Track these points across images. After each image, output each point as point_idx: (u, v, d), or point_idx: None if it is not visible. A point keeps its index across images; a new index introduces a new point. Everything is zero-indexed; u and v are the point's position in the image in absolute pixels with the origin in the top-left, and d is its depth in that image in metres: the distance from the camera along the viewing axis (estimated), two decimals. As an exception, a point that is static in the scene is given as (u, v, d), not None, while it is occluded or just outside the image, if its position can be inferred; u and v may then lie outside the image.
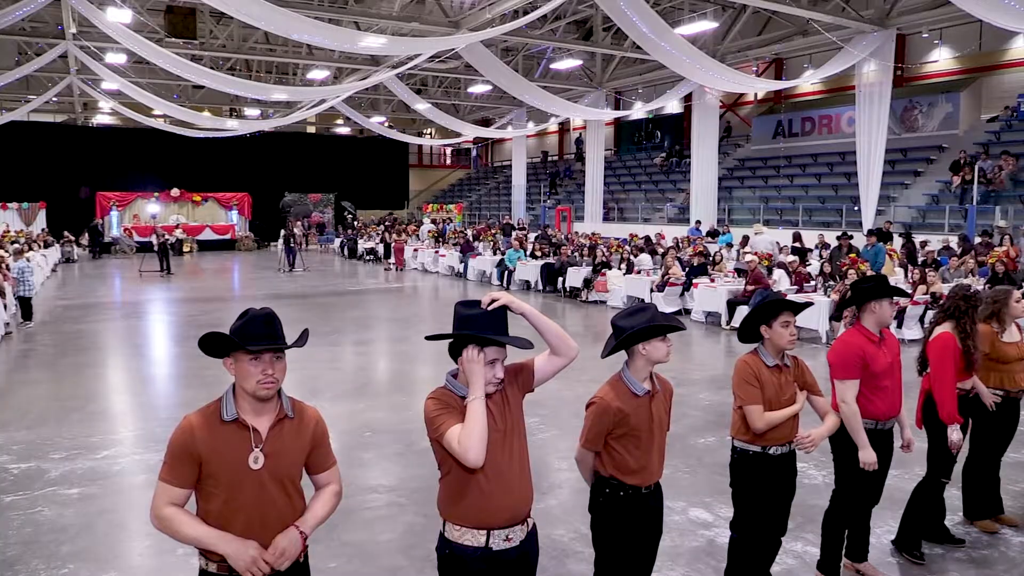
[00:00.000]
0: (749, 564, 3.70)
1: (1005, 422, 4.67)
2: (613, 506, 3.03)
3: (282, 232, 24.07)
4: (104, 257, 27.62)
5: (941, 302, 4.54)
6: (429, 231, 26.82)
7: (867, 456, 3.72)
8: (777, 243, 17.07)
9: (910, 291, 11.75)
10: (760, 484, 3.55)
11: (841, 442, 3.87)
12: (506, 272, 18.23)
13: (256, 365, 2.33)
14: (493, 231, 24.85)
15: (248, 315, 2.40)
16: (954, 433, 4.16)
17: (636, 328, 2.91)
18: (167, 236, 22.72)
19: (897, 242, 16.41)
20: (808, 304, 3.92)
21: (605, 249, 16.82)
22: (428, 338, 2.75)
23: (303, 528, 2.40)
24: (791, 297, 11.77)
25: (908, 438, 3.99)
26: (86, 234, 28.34)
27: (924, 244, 15.97)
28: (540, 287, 17.35)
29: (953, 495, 4.87)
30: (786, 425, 3.53)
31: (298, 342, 2.48)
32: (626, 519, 3.03)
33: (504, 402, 2.60)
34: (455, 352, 2.60)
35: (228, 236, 31.45)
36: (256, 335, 2.34)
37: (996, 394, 4.57)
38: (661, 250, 17.01)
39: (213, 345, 2.39)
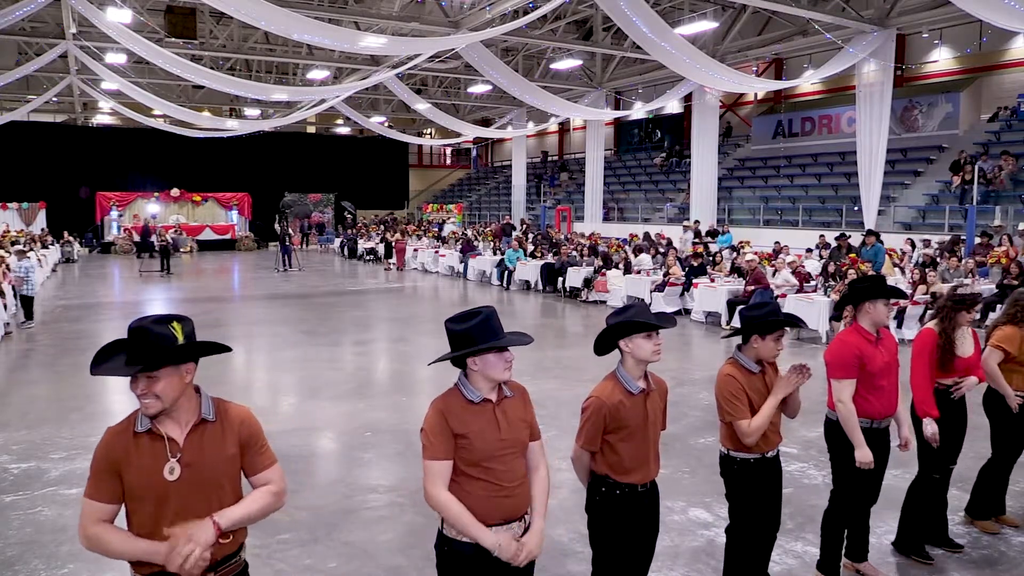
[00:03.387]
0: (747, 566, 3.70)
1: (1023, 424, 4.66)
2: (609, 505, 3.04)
3: (277, 230, 24.08)
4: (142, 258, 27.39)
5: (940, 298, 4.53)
6: (452, 232, 26.11)
7: (863, 455, 3.71)
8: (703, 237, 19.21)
9: (910, 291, 11.75)
10: (764, 488, 3.55)
11: (837, 442, 3.87)
12: (506, 272, 18.22)
13: (132, 382, 2.21)
14: (493, 231, 24.80)
15: (128, 328, 2.25)
16: (927, 427, 4.14)
17: (614, 324, 2.94)
18: (166, 237, 22.68)
19: (895, 241, 16.41)
20: (800, 322, 3.94)
21: (606, 249, 16.84)
22: (431, 363, 2.79)
23: (217, 518, 2.23)
24: (791, 297, 11.83)
25: (905, 436, 3.98)
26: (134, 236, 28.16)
27: (928, 243, 15.96)
28: (540, 287, 17.34)
29: (952, 495, 4.86)
30: (776, 427, 3.54)
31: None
32: (622, 518, 3.03)
33: (516, 413, 2.66)
34: (461, 363, 2.64)
35: (228, 236, 31.46)
36: (127, 353, 2.22)
37: (1019, 396, 4.54)
38: (663, 248, 17.05)
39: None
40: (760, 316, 3.44)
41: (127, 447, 2.24)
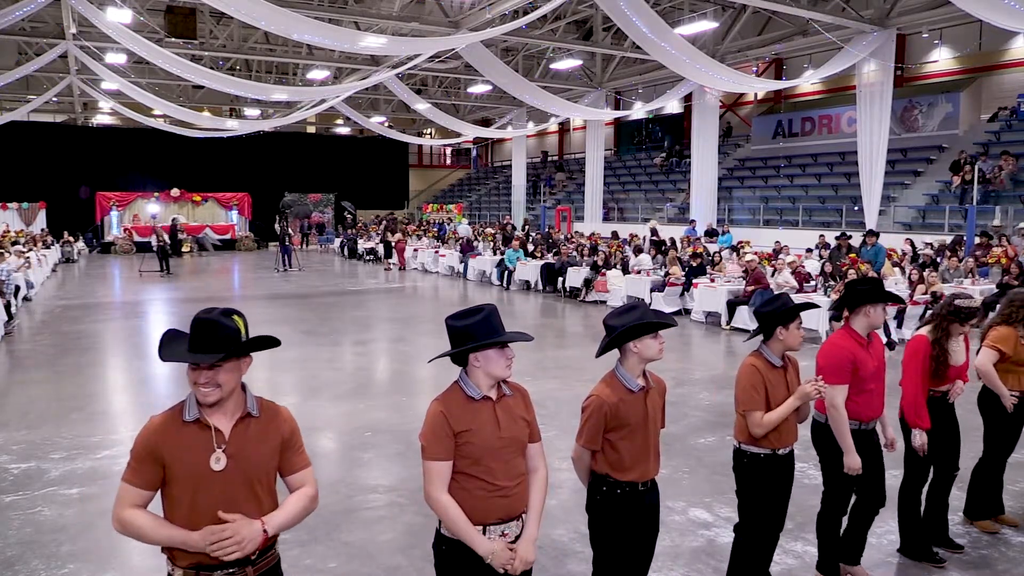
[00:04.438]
0: (753, 565, 3.71)
1: (1018, 423, 4.65)
2: (609, 504, 3.04)
3: (277, 230, 24.08)
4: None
5: (938, 304, 4.50)
6: (452, 232, 26.38)
7: (852, 461, 3.72)
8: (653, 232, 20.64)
9: (910, 291, 11.75)
10: (772, 485, 3.56)
11: (825, 445, 3.86)
12: (506, 272, 18.22)
13: (194, 371, 2.27)
14: (493, 231, 24.80)
15: (193, 319, 2.33)
16: (917, 438, 4.10)
17: (625, 326, 2.94)
18: (165, 237, 22.67)
19: (895, 241, 16.42)
20: (815, 305, 4.04)
21: (606, 250, 16.84)
22: (432, 360, 2.78)
23: (267, 524, 2.32)
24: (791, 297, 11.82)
25: (891, 437, 3.99)
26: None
27: (930, 245, 15.93)
28: (540, 287, 17.34)
29: (952, 495, 4.85)
30: (791, 425, 3.55)
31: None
32: (623, 517, 3.04)
33: (516, 412, 2.68)
34: (461, 361, 2.65)
35: (228, 236, 31.46)
36: (190, 342, 2.29)
37: (1014, 395, 4.53)
38: (664, 247, 17.08)
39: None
40: (779, 307, 3.53)
41: (173, 435, 2.29)
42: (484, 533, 2.56)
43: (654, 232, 20.91)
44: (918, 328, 4.40)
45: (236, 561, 2.28)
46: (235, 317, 2.34)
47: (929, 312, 4.53)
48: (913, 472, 4.35)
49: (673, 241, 18.79)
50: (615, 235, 21.21)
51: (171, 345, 2.36)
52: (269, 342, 2.41)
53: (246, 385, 2.40)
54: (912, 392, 4.14)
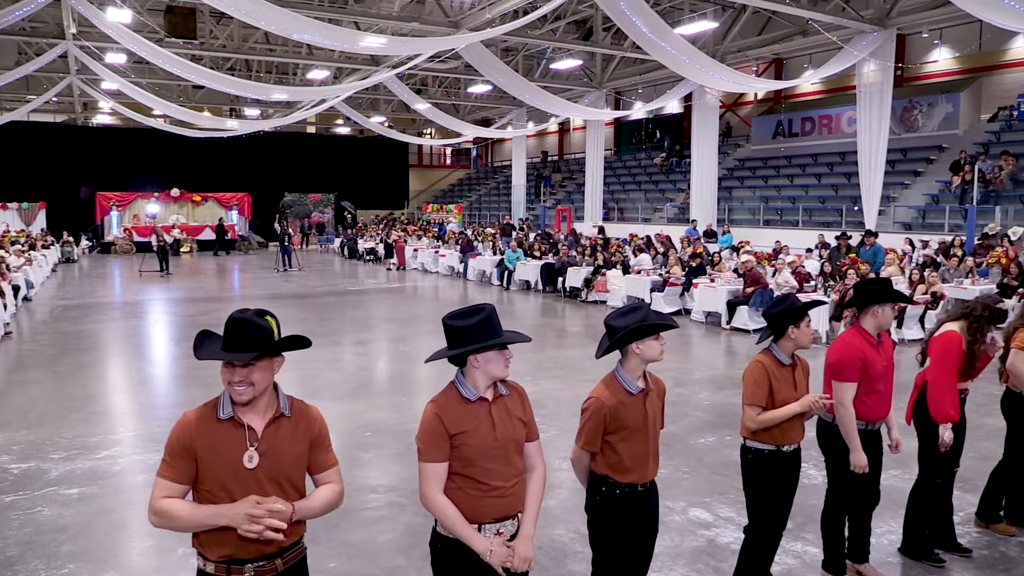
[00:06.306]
0: (760, 565, 3.71)
1: None
2: (609, 505, 3.04)
3: (277, 230, 24.13)
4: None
5: (965, 302, 4.48)
6: (452, 232, 26.79)
7: (858, 459, 3.71)
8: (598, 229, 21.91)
9: (910, 291, 11.75)
10: (776, 482, 3.57)
11: (831, 443, 3.86)
12: (506, 272, 18.22)
13: (228, 370, 2.31)
14: (493, 231, 24.80)
15: (228, 319, 2.37)
16: (946, 432, 4.08)
17: (629, 328, 2.94)
18: (165, 237, 22.66)
19: (895, 241, 16.42)
20: (822, 302, 4.08)
21: (604, 251, 16.85)
22: (428, 360, 2.74)
23: (297, 506, 2.35)
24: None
25: (896, 438, 3.98)
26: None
27: (927, 244, 15.96)
28: (540, 287, 17.34)
29: (956, 495, 4.85)
30: (797, 424, 3.56)
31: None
32: (622, 518, 3.03)
33: (512, 412, 2.67)
34: (459, 361, 2.63)
35: (228, 236, 31.44)
36: (224, 341, 2.33)
37: None
38: (663, 248, 17.07)
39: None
40: (789, 307, 3.59)
41: (207, 432, 2.33)
42: (479, 532, 2.56)
43: (600, 231, 22.04)
44: (941, 324, 4.36)
45: (266, 555, 2.33)
46: (268, 318, 2.39)
47: (955, 309, 4.47)
48: (928, 472, 4.31)
49: (671, 241, 18.81)
50: (573, 232, 22.01)
51: (205, 345, 2.41)
52: (300, 342, 2.43)
53: (278, 385, 2.44)
54: (946, 386, 4.10)
